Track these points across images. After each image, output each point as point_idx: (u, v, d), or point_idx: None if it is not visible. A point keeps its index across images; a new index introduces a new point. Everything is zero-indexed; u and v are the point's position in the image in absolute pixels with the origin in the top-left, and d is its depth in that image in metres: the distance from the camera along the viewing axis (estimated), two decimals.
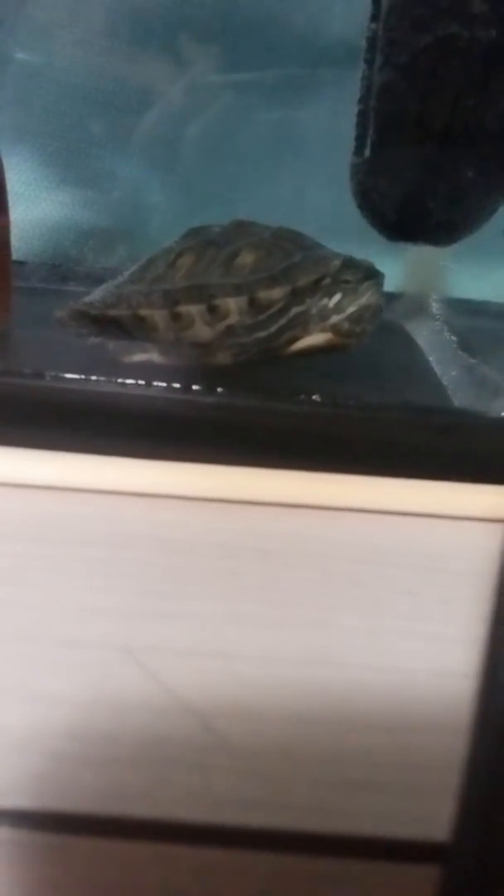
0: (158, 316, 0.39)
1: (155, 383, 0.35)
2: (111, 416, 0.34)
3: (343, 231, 0.42)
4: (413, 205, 0.43)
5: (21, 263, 0.53)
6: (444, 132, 0.40)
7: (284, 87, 0.55)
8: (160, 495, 0.33)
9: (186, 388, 0.35)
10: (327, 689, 0.23)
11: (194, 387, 0.35)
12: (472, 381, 0.40)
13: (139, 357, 0.39)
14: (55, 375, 0.35)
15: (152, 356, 0.39)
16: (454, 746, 0.20)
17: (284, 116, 0.56)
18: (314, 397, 0.35)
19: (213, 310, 0.38)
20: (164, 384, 0.35)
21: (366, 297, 0.38)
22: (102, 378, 0.35)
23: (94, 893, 0.18)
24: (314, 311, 0.38)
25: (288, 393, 0.35)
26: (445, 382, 0.41)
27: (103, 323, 0.41)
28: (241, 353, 0.38)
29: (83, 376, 0.35)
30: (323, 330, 0.38)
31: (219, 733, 0.21)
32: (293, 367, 0.40)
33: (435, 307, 0.50)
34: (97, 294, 0.42)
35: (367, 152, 0.43)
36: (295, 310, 0.38)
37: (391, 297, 0.46)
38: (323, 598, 0.28)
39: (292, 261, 0.38)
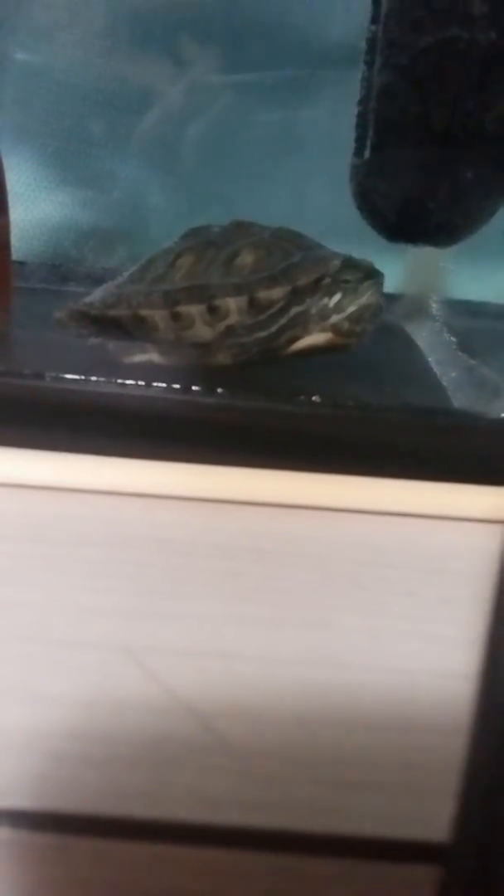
0: (158, 316, 0.39)
1: (155, 384, 0.35)
2: (111, 417, 0.34)
3: (343, 232, 0.42)
4: (413, 206, 0.43)
5: (21, 264, 0.53)
6: (444, 133, 0.40)
7: (284, 88, 0.55)
8: (160, 496, 0.33)
9: (186, 388, 0.35)
10: (327, 690, 0.23)
11: (194, 387, 0.35)
12: (472, 382, 0.40)
13: (139, 357, 0.39)
14: (55, 376, 0.35)
15: (152, 356, 0.39)
16: (454, 747, 0.20)
17: (284, 117, 0.56)
18: (314, 398, 0.35)
19: (213, 310, 0.38)
20: (164, 385, 0.35)
21: (366, 297, 0.38)
22: (102, 378, 0.35)
23: (94, 893, 0.18)
24: (314, 310, 0.38)
25: (288, 394, 0.35)
26: (445, 383, 0.41)
27: (103, 323, 0.41)
28: (241, 353, 0.38)
29: (83, 377, 0.35)
30: (323, 330, 0.38)
31: (219, 734, 0.21)
32: (293, 368, 0.40)
33: (435, 308, 0.50)
34: (97, 294, 0.42)
35: (366, 153, 0.43)
36: (295, 309, 0.38)
37: (391, 298, 0.46)
38: (323, 598, 0.28)
39: (292, 261, 0.38)
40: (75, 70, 0.56)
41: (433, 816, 0.19)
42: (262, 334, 0.38)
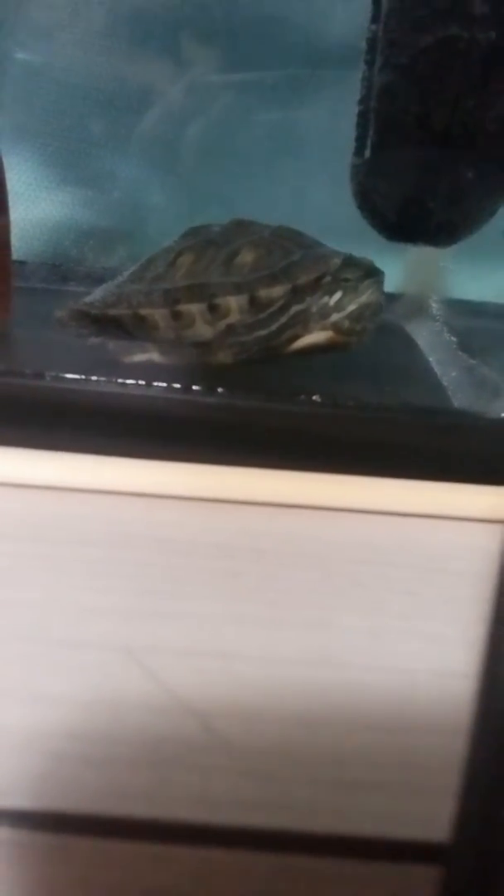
0: (159, 315, 0.39)
1: (155, 383, 0.35)
2: (111, 417, 0.34)
3: (343, 232, 0.42)
4: (413, 205, 0.43)
5: (21, 263, 0.53)
6: (445, 133, 0.40)
7: (285, 87, 0.55)
8: (160, 495, 0.33)
9: (186, 388, 0.35)
10: (327, 690, 0.23)
11: (194, 387, 0.35)
12: (472, 381, 0.40)
13: (139, 357, 0.39)
14: (55, 375, 0.35)
15: (152, 356, 0.39)
16: (454, 747, 0.20)
17: (285, 117, 0.56)
18: (314, 398, 0.35)
19: (213, 308, 0.38)
20: (164, 384, 0.35)
21: (366, 296, 0.38)
22: (102, 378, 0.35)
23: (94, 893, 0.18)
24: (315, 309, 0.38)
25: (288, 393, 0.35)
26: (445, 383, 0.41)
27: (103, 323, 0.41)
28: (241, 352, 0.38)
29: (83, 376, 0.35)
30: (323, 328, 0.38)
31: (219, 733, 0.21)
32: (293, 367, 0.40)
33: (435, 308, 0.50)
34: (97, 294, 0.42)
35: (367, 153, 0.43)
36: (295, 308, 0.38)
37: (391, 298, 0.46)
38: (323, 598, 0.28)
39: (292, 259, 0.38)
40: (75, 69, 0.56)
41: (433, 816, 0.19)
42: (263, 333, 0.38)
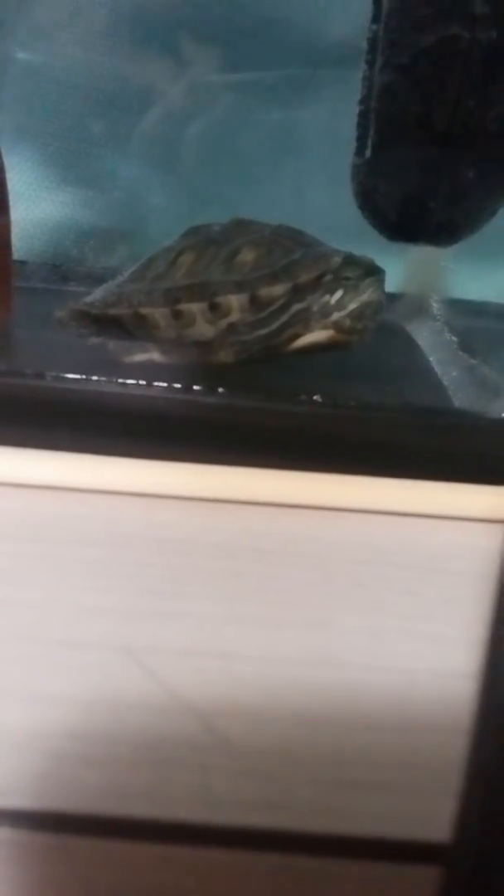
0: (160, 314, 0.39)
1: (155, 383, 0.35)
2: (111, 416, 0.34)
3: (344, 232, 0.42)
4: (414, 205, 0.43)
5: (22, 263, 0.53)
6: (446, 133, 0.40)
7: (285, 87, 0.55)
8: (160, 495, 0.33)
9: (187, 388, 0.35)
10: (328, 690, 0.23)
11: (195, 387, 0.35)
12: (473, 381, 0.40)
13: (140, 357, 0.39)
14: (56, 375, 0.35)
15: (153, 356, 0.39)
16: (455, 747, 0.20)
17: (285, 117, 0.56)
18: (315, 398, 0.35)
19: (214, 307, 0.38)
20: (165, 384, 0.35)
21: (367, 294, 0.38)
22: (103, 378, 0.35)
23: (95, 893, 0.18)
24: (315, 307, 0.38)
25: (288, 393, 0.35)
26: (446, 383, 0.41)
27: (104, 322, 0.41)
28: (242, 351, 0.38)
29: (84, 376, 0.35)
30: (324, 327, 0.38)
31: (219, 733, 0.21)
32: (294, 367, 0.40)
33: (436, 308, 0.50)
34: (98, 294, 0.42)
35: (368, 153, 0.43)
36: (296, 307, 0.38)
37: (392, 298, 0.46)
38: (323, 598, 0.27)
39: (293, 258, 0.38)
40: (76, 69, 0.56)
41: (434, 816, 0.19)
42: (264, 332, 0.38)
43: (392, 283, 0.41)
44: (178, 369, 0.39)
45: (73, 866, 0.19)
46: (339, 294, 0.38)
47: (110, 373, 0.35)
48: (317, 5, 0.54)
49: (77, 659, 0.23)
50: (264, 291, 0.38)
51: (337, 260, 0.38)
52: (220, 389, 0.35)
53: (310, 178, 0.55)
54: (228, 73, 0.55)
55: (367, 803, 0.20)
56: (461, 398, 0.39)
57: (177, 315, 0.39)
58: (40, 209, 0.57)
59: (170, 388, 0.35)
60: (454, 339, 0.45)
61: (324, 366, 0.40)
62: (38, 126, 0.56)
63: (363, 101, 0.42)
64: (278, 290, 0.38)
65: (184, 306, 0.39)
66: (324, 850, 0.19)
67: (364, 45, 0.42)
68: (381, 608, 0.27)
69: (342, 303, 0.38)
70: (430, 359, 0.45)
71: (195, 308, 0.38)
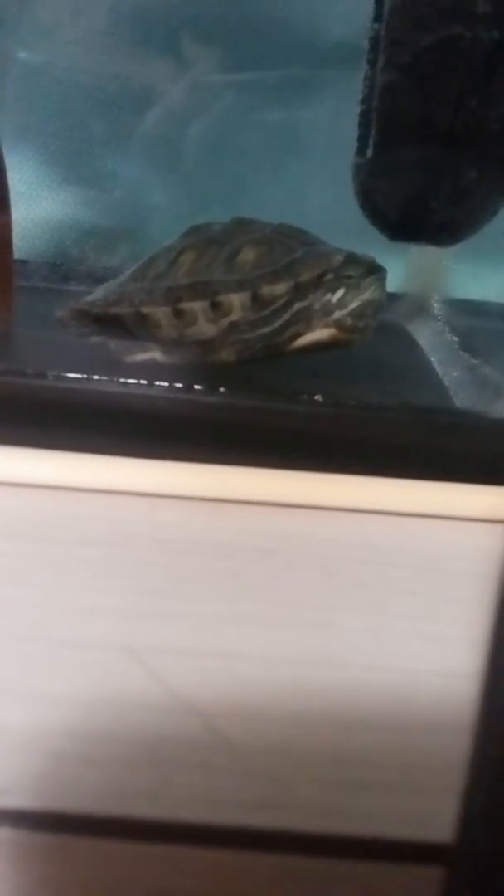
0: (161, 313, 0.39)
1: (156, 383, 0.35)
2: (113, 416, 0.34)
3: (345, 231, 0.42)
4: (415, 205, 0.43)
5: (23, 262, 0.53)
6: (447, 132, 0.40)
7: (287, 86, 0.55)
8: (161, 495, 0.32)
9: (188, 387, 0.35)
10: (329, 690, 0.23)
11: (196, 386, 0.35)
12: (474, 381, 0.40)
13: (141, 356, 0.39)
14: (57, 375, 0.35)
15: (154, 355, 0.39)
16: (457, 747, 0.20)
17: (287, 116, 0.56)
18: (316, 397, 0.35)
19: (216, 306, 0.38)
20: (166, 384, 0.35)
21: (369, 293, 0.38)
22: (104, 378, 0.35)
23: (95, 893, 0.18)
24: (317, 306, 0.38)
25: (289, 393, 0.35)
26: (447, 383, 0.41)
27: (105, 322, 0.41)
28: (244, 350, 0.38)
29: (85, 376, 0.35)
30: (326, 325, 0.38)
31: (220, 733, 0.21)
32: (295, 367, 0.40)
33: (437, 308, 0.50)
34: (99, 293, 0.42)
35: (369, 152, 0.43)
36: (298, 305, 0.38)
37: (393, 298, 0.46)
38: (324, 598, 0.27)
39: (294, 256, 0.38)
40: (77, 68, 0.56)
41: (436, 816, 0.19)
42: (266, 330, 0.38)
43: (393, 283, 0.41)
44: (180, 368, 0.39)
45: (74, 866, 0.19)
46: (340, 292, 0.38)
47: (111, 372, 0.35)
48: (318, 4, 0.54)
49: (77, 659, 0.23)
50: (266, 290, 0.38)
51: (338, 258, 0.38)
52: (221, 389, 0.35)
53: (311, 178, 0.55)
54: (229, 72, 0.55)
55: (368, 803, 0.20)
56: (462, 398, 0.39)
57: (178, 314, 0.39)
58: (41, 208, 0.57)
59: (171, 387, 0.35)
60: (455, 339, 0.45)
61: (325, 365, 0.40)
62: (39, 125, 0.56)
63: (365, 101, 0.42)
64: (280, 288, 0.38)
65: (185, 305, 0.39)
66: (325, 850, 0.19)
67: (365, 44, 0.42)
68: (382, 608, 0.27)
69: (344, 301, 0.38)
70: (431, 359, 0.44)
71: (197, 307, 0.38)
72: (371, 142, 0.42)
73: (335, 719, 0.22)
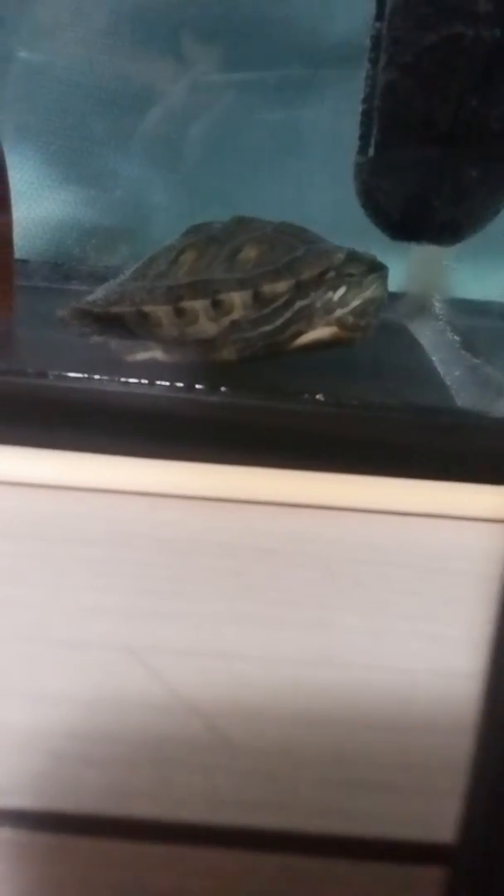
0: (162, 312, 0.39)
1: (157, 382, 0.35)
2: (114, 415, 0.34)
3: (346, 231, 0.42)
4: (417, 204, 0.43)
5: (24, 262, 0.53)
6: (449, 131, 0.40)
7: (288, 86, 0.55)
8: (161, 494, 0.32)
9: (189, 386, 0.35)
10: (330, 690, 0.23)
11: (197, 385, 0.35)
12: (476, 381, 0.40)
13: (142, 355, 0.39)
14: (57, 374, 0.35)
15: (155, 354, 0.39)
16: (458, 747, 0.20)
17: (288, 116, 0.56)
18: (317, 397, 0.35)
19: (217, 304, 0.38)
20: (167, 383, 0.35)
21: (370, 291, 0.38)
22: (105, 377, 0.35)
23: (95, 893, 0.18)
24: (319, 304, 0.38)
25: (291, 392, 0.35)
26: (448, 382, 0.41)
27: (106, 321, 0.41)
28: (246, 348, 0.38)
29: (86, 375, 0.35)
30: (328, 324, 0.38)
31: (221, 733, 0.21)
32: (296, 366, 0.40)
33: (438, 307, 0.50)
34: (99, 292, 0.42)
35: (371, 151, 0.43)
36: (299, 303, 0.38)
37: (394, 297, 0.46)
38: (325, 598, 0.27)
39: (295, 254, 0.38)
40: (78, 68, 0.56)
41: (437, 817, 0.19)
42: (267, 328, 0.38)
43: (394, 283, 0.41)
44: (181, 367, 0.38)
45: (74, 866, 0.18)
46: (342, 291, 0.38)
47: (112, 371, 0.35)
48: (319, 4, 0.54)
49: (78, 658, 0.23)
50: (267, 288, 0.38)
51: (340, 256, 0.38)
52: (222, 388, 0.34)
53: (312, 178, 0.55)
54: (230, 71, 0.55)
55: (370, 803, 0.20)
56: (464, 398, 0.39)
57: (179, 313, 0.39)
58: (42, 208, 0.57)
59: (172, 386, 0.35)
60: (456, 338, 0.45)
61: (326, 365, 0.40)
62: (40, 125, 0.56)
63: (366, 100, 0.42)
64: (281, 286, 0.38)
65: (186, 304, 0.38)
66: (326, 850, 0.19)
67: (367, 43, 0.42)
68: (383, 608, 0.27)
69: (345, 299, 0.38)
70: (433, 358, 0.44)
71: (198, 305, 0.38)
72: (372, 141, 0.42)
73: (336, 719, 0.22)
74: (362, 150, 0.43)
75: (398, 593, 0.28)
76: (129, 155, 0.57)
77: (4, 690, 0.22)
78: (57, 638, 0.24)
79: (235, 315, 0.38)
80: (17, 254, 0.45)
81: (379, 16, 0.41)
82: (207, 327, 0.39)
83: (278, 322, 0.38)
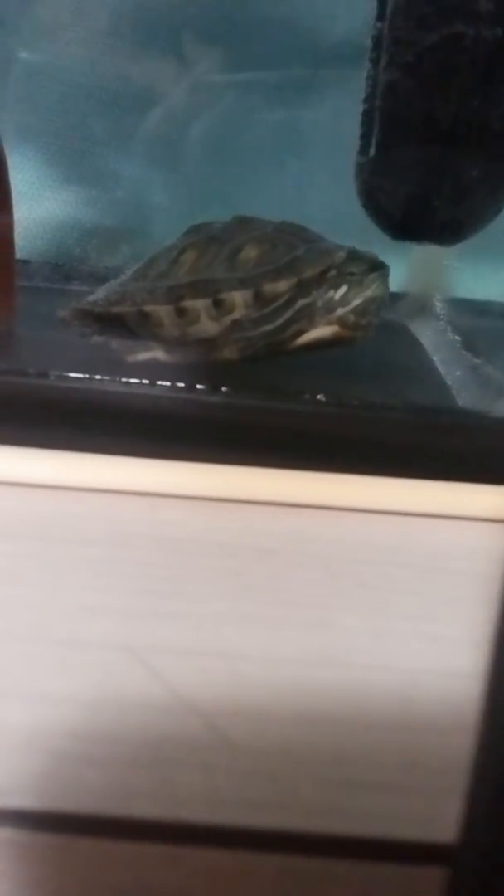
0: (163, 311, 0.39)
1: (158, 382, 0.35)
2: (114, 416, 0.34)
3: (347, 230, 0.42)
4: (418, 204, 0.43)
5: (25, 262, 0.53)
6: (450, 131, 0.40)
7: (289, 86, 0.55)
8: (162, 494, 0.32)
9: (190, 386, 0.35)
10: (331, 690, 0.23)
11: (198, 385, 0.35)
12: (477, 380, 0.40)
13: (143, 355, 0.39)
14: (59, 375, 0.35)
15: (156, 354, 0.39)
16: (460, 747, 0.20)
17: (289, 116, 0.56)
18: (318, 397, 0.35)
19: (218, 304, 0.38)
20: (168, 383, 0.35)
21: (371, 290, 0.38)
22: (106, 377, 0.35)
23: (96, 894, 0.18)
24: (320, 303, 0.38)
25: (292, 392, 0.35)
26: (449, 382, 0.41)
27: (106, 321, 0.41)
28: (247, 348, 0.38)
29: (86, 375, 0.35)
30: (329, 323, 0.38)
31: (221, 733, 0.21)
32: (297, 365, 0.40)
33: (439, 307, 0.50)
34: (100, 293, 0.42)
35: (372, 151, 0.43)
36: (301, 302, 0.38)
37: (395, 297, 0.46)
38: (326, 598, 0.27)
39: (296, 253, 0.38)
40: (79, 69, 0.56)
41: (439, 817, 0.19)
42: (268, 328, 0.38)
43: (395, 283, 0.41)
44: (182, 367, 0.38)
45: (75, 866, 0.18)
46: (343, 289, 0.38)
47: (113, 372, 0.35)
48: (321, 4, 0.54)
49: (78, 658, 0.23)
50: (268, 287, 0.38)
51: (341, 255, 0.38)
52: (223, 388, 0.34)
53: (314, 178, 0.55)
54: (231, 71, 0.55)
55: (371, 804, 0.20)
56: (465, 398, 0.39)
57: (180, 312, 0.39)
58: (43, 208, 0.57)
59: (172, 387, 0.35)
60: (457, 338, 0.45)
61: (327, 364, 0.40)
62: (41, 125, 0.56)
63: (367, 100, 0.42)
64: (282, 285, 0.38)
65: (187, 303, 0.38)
66: (327, 850, 0.19)
67: (368, 43, 0.42)
68: (384, 608, 0.27)
69: (346, 298, 0.38)
70: (434, 358, 0.44)
71: (199, 305, 0.38)
72: (374, 141, 0.42)
73: (337, 719, 0.22)
74: (363, 149, 0.43)
75: (399, 593, 0.28)
76: (130, 155, 0.57)
77: (5, 691, 0.22)
78: (57, 638, 0.24)
79: (237, 314, 0.38)
80: (18, 254, 0.45)
81: (380, 15, 0.41)
82: (209, 327, 0.39)
83: (279, 321, 0.38)
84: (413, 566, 0.30)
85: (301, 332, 0.39)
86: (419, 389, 0.40)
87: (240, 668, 0.23)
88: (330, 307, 0.38)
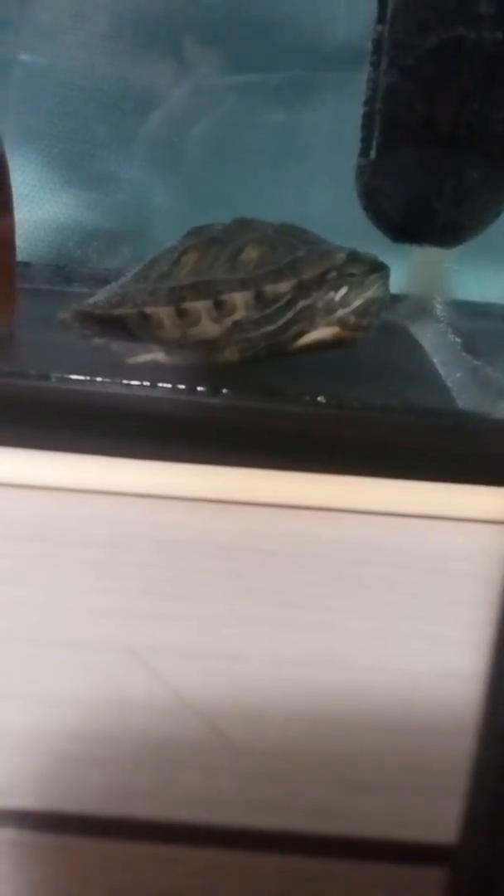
0: (164, 313, 0.39)
1: (158, 384, 0.35)
2: (115, 418, 0.34)
3: (348, 233, 0.42)
4: (418, 206, 0.43)
5: (25, 265, 0.53)
6: (450, 134, 0.40)
7: (290, 88, 0.55)
8: (163, 496, 0.32)
9: (190, 388, 0.35)
10: (332, 691, 0.23)
11: (198, 387, 0.35)
12: (477, 382, 0.40)
13: (144, 357, 0.39)
14: (59, 377, 0.35)
15: (157, 356, 0.39)
16: (460, 748, 0.20)
17: (290, 119, 0.56)
18: (318, 399, 0.35)
19: (219, 305, 0.38)
20: (168, 385, 0.35)
21: (372, 291, 0.38)
22: (107, 379, 0.35)
23: (97, 894, 0.18)
24: (320, 304, 0.38)
25: (292, 394, 0.35)
26: (450, 384, 0.41)
27: (107, 323, 0.41)
28: (248, 349, 0.38)
29: (87, 377, 0.35)
30: (329, 324, 0.38)
31: (223, 734, 0.21)
32: (297, 367, 0.40)
33: (439, 309, 0.50)
34: (101, 294, 0.42)
35: (372, 154, 0.43)
36: (301, 303, 0.38)
37: (396, 299, 0.46)
38: (327, 599, 0.27)
39: (297, 255, 0.38)
40: (80, 71, 0.56)
41: (439, 818, 0.19)
42: (269, 328, 0.38)
43: (396, 285, 0.41)
44: (183, 369, 0.39)
45: (76, 867, 0.18)
46: (343, 291, 0.38)
47: (114, 374, 0.35)
48: (321, 6, 0.54)
49: (79, 660, 0.23)
50: (269, 288, 0.38)
51: (341, 256, 0.38)
52: (224, 390, 0.34)
53: (314, 180, 0.55)
54: (232, 74, 0.55)
55: (371, 804, 0.20)
56: (465, 399, 0.39)
57: (181, 314, 0.39)
58: (44, 211, 0.57)
59: (173, 388, 0.35)
60: (458, 340, 0.45)
61: (327, 366, 0.40)
62: (42, 128, 0.56)
63: (368, 102, 0.42)
64: (283, 286, 0.38)
65: (188, 305, 0.39)
66: (328, 851, 0.19)
67: (369, 46, 0.42)
68: (385, 610, 0.27)
69: (347, 299, 0.38)
70: (434, 360, 0.44)
71: (200, 306, 0.38)
72: (374, 143, 0.42)
73: (338, 721, 0.22)
74: (364, 152, 0.43)
75: (399, 595, 0.28)
76: (131, 157, 0.57)
77: (6, 692, 0.22)
78: (58, 639, 0.24)
79: (238, 315, 0.38)
80: (19, 256, 0.45)
81: (380, 18, 0.41)
82: (210, 328, 0.39)
83: (280, 322, 0.38)
84: (413, 568, 0.30)
85: (302, 334, 0.39)
86: (419, 391, 0.40)
87: (240, 670, 0.24)
88: (330, 308, 0.38)
